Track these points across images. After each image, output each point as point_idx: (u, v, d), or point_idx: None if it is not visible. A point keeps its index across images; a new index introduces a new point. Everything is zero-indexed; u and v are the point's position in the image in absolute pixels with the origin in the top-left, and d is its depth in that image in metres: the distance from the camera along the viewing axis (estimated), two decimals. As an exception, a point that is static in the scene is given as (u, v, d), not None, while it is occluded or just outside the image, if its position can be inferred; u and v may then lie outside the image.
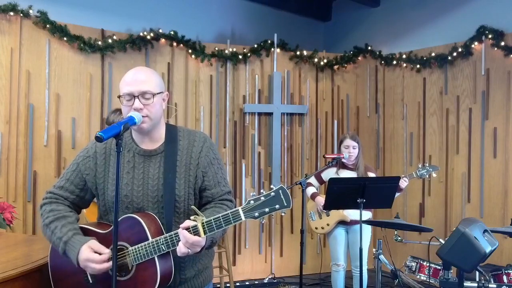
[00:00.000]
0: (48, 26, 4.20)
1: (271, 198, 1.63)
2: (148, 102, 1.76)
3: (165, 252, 1.69)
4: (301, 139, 5.41)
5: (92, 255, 1.70)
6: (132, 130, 1.85)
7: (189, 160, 1.84)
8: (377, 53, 5.55)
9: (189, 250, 1.66)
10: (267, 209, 1.62)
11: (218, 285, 4.39)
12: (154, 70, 1.93)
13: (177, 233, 1.67)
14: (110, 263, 1.70)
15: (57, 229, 1.78)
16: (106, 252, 1.72)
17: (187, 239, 1.63)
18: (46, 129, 4.24)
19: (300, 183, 3.48)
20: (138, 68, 1.87)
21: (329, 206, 3.45)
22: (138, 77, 1.78)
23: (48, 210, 1.84)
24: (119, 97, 1.81)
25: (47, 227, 1.81)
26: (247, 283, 4.91)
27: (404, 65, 5.34)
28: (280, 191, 1.63)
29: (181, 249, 1.65)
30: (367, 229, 3.84)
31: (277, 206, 1.62)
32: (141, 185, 1.81)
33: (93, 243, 1.73)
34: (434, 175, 3.95)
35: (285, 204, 1.63)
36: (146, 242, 1.70)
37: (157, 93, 1.79)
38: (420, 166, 3.91)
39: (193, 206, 1.72)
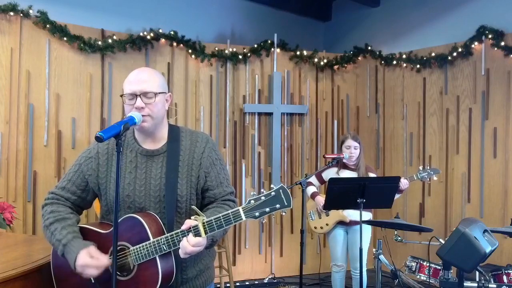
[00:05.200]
0: (48, 26, 4.20)
1: (272, 198, 1.62)
2: (149, 101, 1.77)
3: (166, 252, 1.70)
4: (301, 139, 5.41)
5: (90, 260, 1.70)
6: (134, 130, 1.86)
7: (191, 160, 1.84)
8: (377, 53, 5.55)
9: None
10: (267, 209, 1.62)
11: (218, 285, 4.39)
12: (156, 70, 1.94)
13: (178, 233, 1.68)
14: (109, 262, 1.71)
15: (56, 231, 1.79)
16: (103, 258, 1.72)
17: (185, 249, 1.64)
18: (46, 129, 4.24)
19: (300, 183, 3.48)
20: (142, 68, 1.89)
21: (329, 206, 3.45)
22: (141, 77, 1.79)
23: (49, 211, 1.85)
24: (121, 96, 1.81)
25: (47, 228, 1.82)
26: (247, 283, 4.91)
27: (404, 65, 5.34)
28: (281, 190, 1.63)
29: (180, 254, 1.67)
30: (367, 230, 3.83)
31: (277, 206, 1.62)
32: (143, 185, 1.81)
33: (92, 249, 1.73)
34: (434, 178, 3.89)
35: (286, 204, 1.63)
36: (147, 242, 1.70)
37: (159, 93, 1.79)
38: (421, 168, 3.88)
39: (193, 206, 1.71)
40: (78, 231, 1.82)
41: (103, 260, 1.71)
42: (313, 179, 3.97)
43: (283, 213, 5.23)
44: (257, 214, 1.62)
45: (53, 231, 1.80)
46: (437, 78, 5.10)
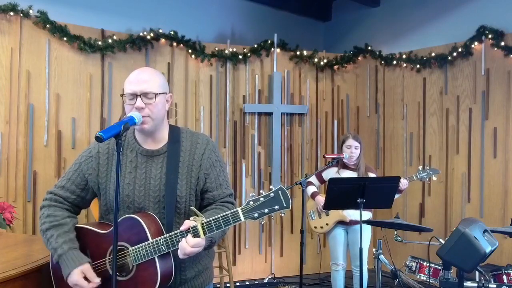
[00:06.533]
0: (48, 26, 4.20)
1: (271, 199, 1.63)
2: (150, 101, 1.77)
3: (165, 252, 1.70)
4: (301, 139, 5.41)
5: (82, 282, 1.72)
6: (135, 130, 1.86)
7: (191, 162, 1.84)
8: (377, 53, 5.55)
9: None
10: (266, 210, 1.62)
11: (218, 285, 4.39)
12: (157, 71, 1.94)
13: (177, 233, 1.68)
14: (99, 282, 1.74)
15: (52, 238, 1.79)
16: (96, 281, 1.74)
17: (184, 250, 1.64)
18: (46, 129, 4.24)
19: (300, 183, 3.48)
20: (143, 68, 1.88)
21: (329, 206, 3.45)
22: (141, 77, 1.79)
23: (46, 215, 1.85)
24: (122, 95, 1.81)
25: (44, 233, 1.83)
26: (247, 283, 4.91)
27: (404, 65, 5.34)
28: (280, 191, 1.63)
29: (179, 255, 1.67)
30: (367, 229, 3.83)
31: (276, 207, 1.62)
32: (143, 185, 1.81)
33: (87, 268, 1.74)
34: (434, 178, 3.90)
35: (285, 205, 1.63)
36: (146, 243, 1.70)
37: (160, 93, 1.79)
38: (420, 169, 3.89)
39: (192, 207, 1.72)
40: (74, 239, 1.82)
41: (93, 283, 1.73)
42: (313, 179, 3.97)
43: (282, 214, 5.24)
44: (256, 215, 1.63)
45: (49, 238, 1.80)
46: (437, 78, 5.10)
